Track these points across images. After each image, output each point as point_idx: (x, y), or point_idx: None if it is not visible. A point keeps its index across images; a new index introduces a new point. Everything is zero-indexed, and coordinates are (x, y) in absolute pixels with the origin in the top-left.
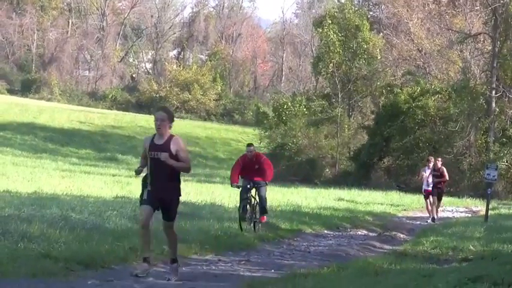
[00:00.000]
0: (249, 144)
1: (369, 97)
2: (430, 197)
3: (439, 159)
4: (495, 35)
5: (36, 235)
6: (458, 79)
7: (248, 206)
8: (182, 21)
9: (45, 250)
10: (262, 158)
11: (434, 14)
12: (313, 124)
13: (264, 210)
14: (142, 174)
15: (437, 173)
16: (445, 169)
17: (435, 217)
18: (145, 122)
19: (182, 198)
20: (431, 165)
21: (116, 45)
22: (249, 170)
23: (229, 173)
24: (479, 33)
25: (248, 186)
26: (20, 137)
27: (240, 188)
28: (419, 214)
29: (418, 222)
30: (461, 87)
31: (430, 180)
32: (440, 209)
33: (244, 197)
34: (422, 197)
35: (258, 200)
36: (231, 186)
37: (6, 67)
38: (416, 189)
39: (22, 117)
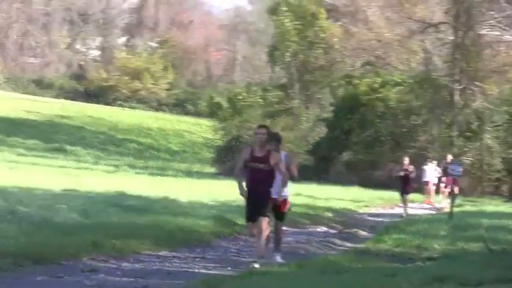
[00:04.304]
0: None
1: (327, 88)
2: None
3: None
4: (457, 25)
5: None
6: (420, 70)
7: None
8: (131, 6)
9: None
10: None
11: (393, 2)
12: (269, 116)
13: None
14: None
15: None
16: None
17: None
18: (94, 111)
19: (134, 192)
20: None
21: (63, 31)
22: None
23: (182, 165)
24: (440, 23)
25: None
26: None
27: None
28: (381, 211)
29: (380, 219)
30: (423, 78)
31: None
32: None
33: None
34: (384, 192)
35: None
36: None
37: None
38: (378, 184)
39: None
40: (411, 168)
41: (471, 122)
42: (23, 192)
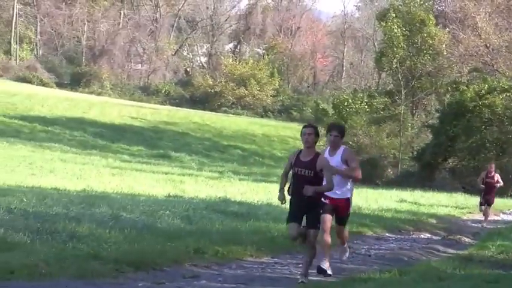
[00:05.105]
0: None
1: (434, 94)
2: None
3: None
4: None
5: (85, 235)
6: None
7: None
8: (238, 13)
9: (94, 250)
10: None
11: (502, 8)
12: (374, 122)
13: None
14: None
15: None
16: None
17: None
18: (200, 118)
19: (237, 198)
20: None
21: (170, 37)
22: None
23: None
24: None
25: None
26: (69, 132)
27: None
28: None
29: (484, 226)
30: None
31: None
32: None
33: None
34: None
35: None
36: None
37: (55, 59)
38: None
39: (71, 111)
40: (497, 176)
41: None
42: (126, 198)
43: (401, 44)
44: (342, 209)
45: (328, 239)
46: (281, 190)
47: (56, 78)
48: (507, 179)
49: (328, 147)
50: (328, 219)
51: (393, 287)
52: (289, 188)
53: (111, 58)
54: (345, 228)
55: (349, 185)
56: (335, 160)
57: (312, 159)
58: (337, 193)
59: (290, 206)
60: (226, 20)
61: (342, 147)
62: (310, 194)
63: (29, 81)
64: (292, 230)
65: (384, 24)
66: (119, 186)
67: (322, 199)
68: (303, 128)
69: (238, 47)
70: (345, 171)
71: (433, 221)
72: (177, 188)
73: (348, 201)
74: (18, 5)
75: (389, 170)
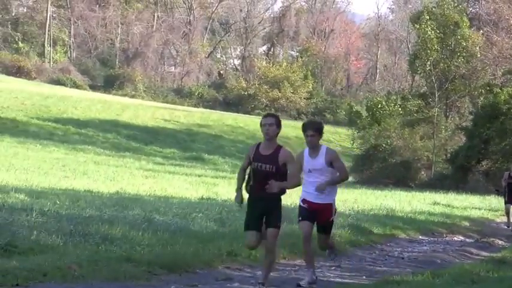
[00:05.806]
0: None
1: (467, 97)
2: None
3: None
4: None
5: (118, 237)
6: None
7: None
8: (272, 15)
9: (127, 253)
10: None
11: None
12: (408, 124)
13: None
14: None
15: None
16: None
17: None
18: (233, 120)
19: None
20: None
21: (203, 40)
22: None
23: None
24: None
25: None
26: (102, 134)
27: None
28: None
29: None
30: None
31: None
32: None
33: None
34: None
35: None
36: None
37: (88, 62)
38: None
39: (105, 114)
40: None
41: None
42: (159, 200)
43: (435, 46)
44: (323, 215)
45: (309, 248)
46: (238, 190)
47: (90, 80)
48: None
49: (307, 149)
50: (308, 226)
51: None
52: (246, 186)
53: (144, 60)
54: (328, 237)
55: (333, 188)
56: (318, 162)
57: (273, 152)
58: (319, 197)
59: (248, 208)
60: (259, 22)
61: (324, 147)
62: (275, 191)
63: (63, 84)
64: (251, 239)
65: (418, 26)
66: (152, 188)
67: (301, 203)
68: (263, 118)
69: (272, 50)
70: (335, 179)
71: (467, 223)
72: (210, 191)
73: (331, 206)
74: (52, 7)
75: (423, 173)
